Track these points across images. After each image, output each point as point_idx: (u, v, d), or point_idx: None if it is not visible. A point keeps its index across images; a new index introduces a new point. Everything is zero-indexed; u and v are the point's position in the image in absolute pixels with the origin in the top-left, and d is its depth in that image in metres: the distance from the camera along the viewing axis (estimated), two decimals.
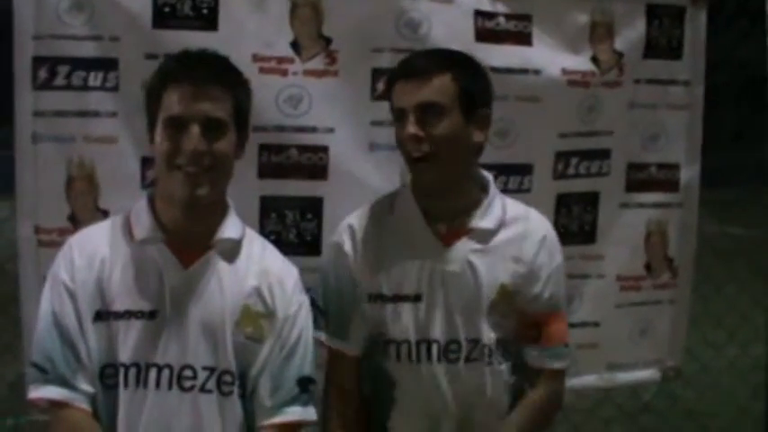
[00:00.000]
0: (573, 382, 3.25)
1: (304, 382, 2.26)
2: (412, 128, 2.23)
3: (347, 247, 2.42)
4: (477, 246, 2.35)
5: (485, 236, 2.36)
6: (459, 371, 2.36)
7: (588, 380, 3.34)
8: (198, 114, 2.10)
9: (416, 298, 2.36)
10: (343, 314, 2.42)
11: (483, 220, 2.36)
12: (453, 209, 2.36)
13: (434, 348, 2.35)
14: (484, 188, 2.41)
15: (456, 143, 2.26)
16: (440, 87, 2.24)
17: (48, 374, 2.13)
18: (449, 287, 2.35)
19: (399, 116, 2.29)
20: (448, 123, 2.24)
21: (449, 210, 2.36)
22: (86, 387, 2.14)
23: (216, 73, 2.18)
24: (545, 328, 2.41)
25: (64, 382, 2.12)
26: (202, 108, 2.11)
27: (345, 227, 2.46)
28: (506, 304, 2.37)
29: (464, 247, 2.35)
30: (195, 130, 2.09)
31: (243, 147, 2.27)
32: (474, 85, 2.31)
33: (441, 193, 2.34)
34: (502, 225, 2.37)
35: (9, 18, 2.71)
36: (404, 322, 2.37)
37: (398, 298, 2.37)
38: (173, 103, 2.12)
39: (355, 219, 2.46)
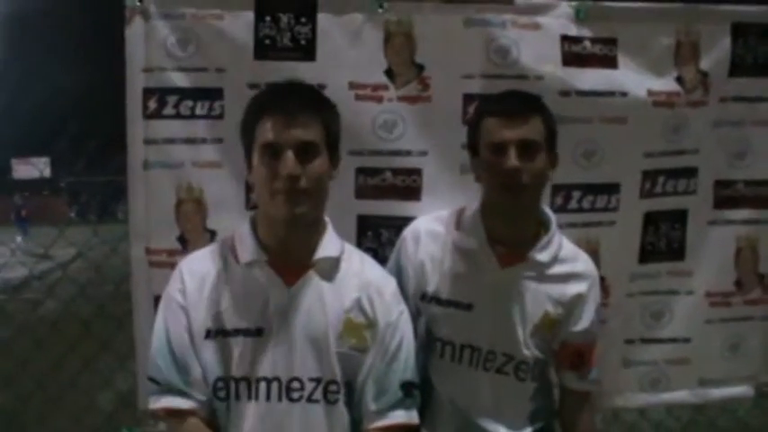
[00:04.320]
0: (664, 397, 3.33)
1: (407, 387, 2.36)
2: (515, 161, 2.44)
3: (410, 246, 2.68)
4: (530, 273, 2.57)
5: (539, 267, 2.57)
6: (489, 379, 2.60)
7: (680, 395, 3.35)
8: (291, 140, 2.22)
9: (468, 307, 2.59)
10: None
11: (541, 253, 2.56)
12: (514, 237, 2.57)
13: (476, 355, 2.59)
14: (545, 224, 2.62)
15: (544, 178, 2.53)
16: (536, 127, 2.48)
17: (162, 386, 2.28)
18: (498, 304, 2.57)
19: (495, 150, 2.48)
20: (540, 160, 2.48)
21: (510, 237, 2.57)
22: (200, 396, 2.28)
23: (305, 101, 2.30)
24: (586, 357, 2.66)
25: (179, 392, 2.27)
26: (295, 134, 2.23)
27: (414, 229, 2.71)
28: (548, 330, 2.60)
29: (518, 272, 2.57)
30: (290, 155, 2.21)
31: (336, 168, 2.38)
32: (555, 128, 2.56)
33: (515, 221, 2.56)
34: (555, 261, 2.59)
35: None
36: (453, 326, 2.61)
37: (452, 303, 2.60)
38: (267, 131, 2.24)
39: (424, 224, 2.71)
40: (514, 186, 2.45)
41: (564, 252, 2.61)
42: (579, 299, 2.60)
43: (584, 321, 2.62)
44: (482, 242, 2.57)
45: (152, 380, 2.32)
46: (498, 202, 2.54)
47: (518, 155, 2.43)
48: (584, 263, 2.66)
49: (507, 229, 2.56)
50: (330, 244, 2.39)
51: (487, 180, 2.55)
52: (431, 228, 2.68)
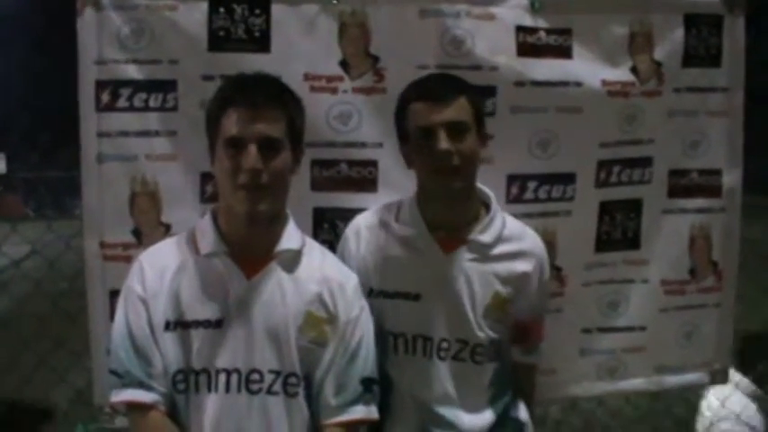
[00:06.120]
0: (622, 385, 3.34)
1: (367, 383, 2.37)
2: (444, 143, 2.45)
3: (352, 243, 2.66)
4: (474, 255, 2.58)
5: (482, 248, 2.59)
6: (446, 367, 2.60)
7: (637, 383, 3.37)
8: (255, 134, 2.23)
9: (416, 297, 2.59)
10: None
11: (482, 234, 2.59)
12: (454, 221, 2.59)
13: (429, 344, 2.59)
14: (485, 204, 2.65)
15: (475, 157, 2.54)
16: (462, 108, 2.50)
17: (124, 379, 2.26)
18: (445, 291, 2.57)
19: (424, 134, 2.49)
20: (471, 140, 2.50)
21: (450, 221, 2.59)
22: (162, 388, 2.26)
23: (270, 95, 2.29)
24: (532, 332, 2.74)
25: (140, 385, 2.25)
26: (259, 128, 2.23)
27: (354, 226, 2.72)
28: (499, 310, 2.61)
29: (462, 256, 2.58)
30: (253, 149, 2.21)
31: (298, 162, 2.39)
32: (482, 107, 2.61)
33: (453, 204, 2.57)
34: (499, 240, 2.61)
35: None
36: (403, 317, 2.60)
37: (400, 295, 2.60)
38: (231, 124, 2.24)
39: (363, 220, 2.72)
40: (446, 169, 2.47)
41: (508, 230, 2.63)
42: (525, 277, 2.62)
43: (531, 297, 2.65)
44: (422, 230, 2.59)
45: (113, 372, 2.30)
46: (433, 187, 2.55)
47: (447, 137, 2.45)
48: (530, 240, 2.68)
49: (446, 214, 2.58)
50: (291, 236, 2.40)
51: (420, 166, 2.56)
52: (370, 221, 2.69)
